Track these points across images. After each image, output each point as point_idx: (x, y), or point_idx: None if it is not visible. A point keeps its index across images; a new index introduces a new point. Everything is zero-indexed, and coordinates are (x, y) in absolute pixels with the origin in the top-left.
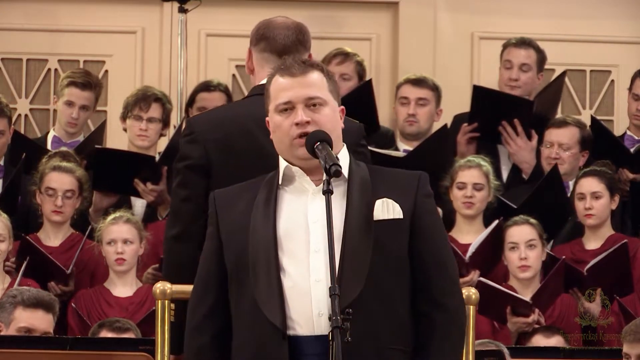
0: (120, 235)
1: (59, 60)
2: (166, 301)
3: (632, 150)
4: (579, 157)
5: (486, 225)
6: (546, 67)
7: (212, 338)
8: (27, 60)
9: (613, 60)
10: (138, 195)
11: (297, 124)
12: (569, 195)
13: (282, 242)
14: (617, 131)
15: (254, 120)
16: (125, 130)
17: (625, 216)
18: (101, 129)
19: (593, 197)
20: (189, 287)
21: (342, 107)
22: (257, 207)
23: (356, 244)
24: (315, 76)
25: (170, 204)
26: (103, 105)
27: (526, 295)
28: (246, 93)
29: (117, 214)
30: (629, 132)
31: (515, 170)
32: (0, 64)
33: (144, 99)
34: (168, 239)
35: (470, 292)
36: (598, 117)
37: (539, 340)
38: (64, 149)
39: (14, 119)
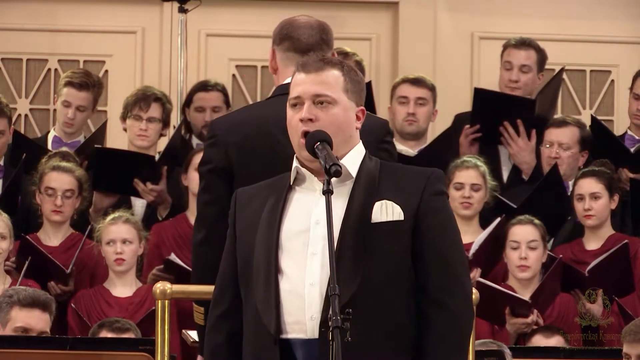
0: (119, 235)
1: (59, 60)
2: (166, 301)
3: (632, 150)
4: (579, 157)
5: (482, 225)
6: (546, 67)
7: (227, 338)
8: (27, 60)
9: (613, 60)
10: (138, 195)
11: (300, 120)
12: (568, 195)
13: (283, 244)
14: (617, 131)
15: (275, 122)
16: (125, 130)
17: (625, 216)
18: (102, 129)
19: (592, 198)
20: (189, 287)
21: (362, 108)
22: (266, 208)
23: (350, 246)
24: (331, 74)
25: (196, 209)
26: (103, 105)
27: (525, 296)
28: (246, 93)
29: (116, 214)
30: (629, 132)
31: (516, 170)
32: (0, 64)
33: (143, 99)
34: (195, 244)
35: None
36: (598, 117)
37: (539, 340)
38: (64, 149)
39: (14, 119)
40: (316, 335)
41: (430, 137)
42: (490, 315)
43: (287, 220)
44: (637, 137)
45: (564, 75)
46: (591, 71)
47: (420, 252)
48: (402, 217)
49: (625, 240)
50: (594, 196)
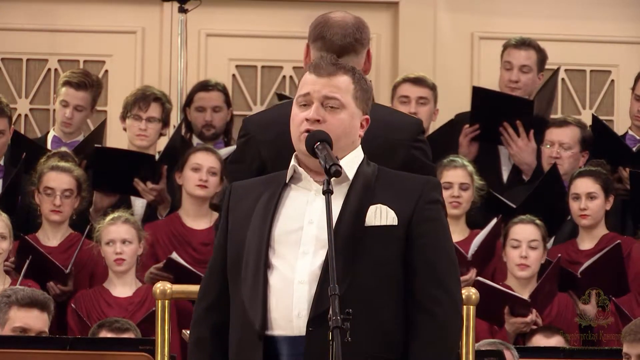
0: (119, 235)
1: (59, 60)
2: (166, 301)
3: (634, 149)
4: (579, 157)
5: (469, 225)
6: (546, 67)
7: (213, 331)
8: (27, 60)
9: (613, 60)
10: (138, 194)
11: (307, 120)
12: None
13: (274, 241)
14: (618, 131)
15: None
16: (125, 130)
17: (626, 215)
18: (100, 128)
19: (588, 198)
20: (189, 287)
21: (367, 117)
22: (260, 204)
23: (341, 248)
24: (342, 79)
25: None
26: (103, 105)
27: (523, 296)
28: (246, 93)
29: (116, 214)
30: (630, 132)
31: (516, 170)
32: (0, 64)
33: (143, 99)
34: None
35: (470, 292)
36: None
37: (539, 340)
38: (63, 149)
39: (14, 119)
40: (302, 333)
41: None
42: (489, 314)
43: (280, 217)
44: (638, 137)
45: (564, 75)
46: (591, 71)
47: (411, 259)
48: (395, 223)
49: (618, 241)
50: (590, 196)
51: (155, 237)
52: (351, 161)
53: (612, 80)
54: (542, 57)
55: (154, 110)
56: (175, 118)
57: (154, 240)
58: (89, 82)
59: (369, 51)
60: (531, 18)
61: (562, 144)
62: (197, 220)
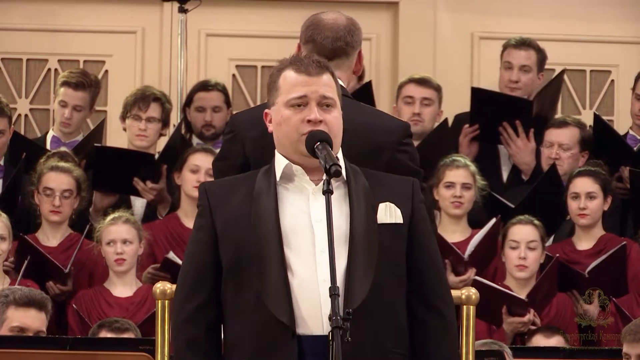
0: (120, 235)
1: (59, 60)
2: (166, 301)
3: (635, 149)
4: (579, 157)
5: (471, 224)
6: (546, 67)
7: (207, 330)
8: (27, 60)
9: (613, 60)
10: (138, 194)
11: (309, 121)
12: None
13: (287, 239)
14: (618, 131)
15: None
16: (124, 130)
17: (626, 215)
18: (100, 128)
19: (587, 197)
20: None
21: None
22: (257, 200)
23: (364, 247)
24: (329, 77)
25: None
26: (103, 105)
27: (521, 296)
28: (246, 93)
29: (116, 214)
30: (631, 132)
31: (515, 170)
32: (0, 64)
33: (142, 99)
34: None
35: (470, 292)
36: None
37: (539, 340)
38: (63, 149)
39: (14, 119)
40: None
41: None
42: (487, 314)
43: (285, 216)
44: (639, 137)
45: (564, 75)
46: (591, 71)
47: (415, 258)
48: (402, 221)
49: (624, 242)
50: (590, 196)
51: (153, 237)
52: (341, 159)
53: (612, 80)
54: (542, 57)
55: (154, 110)
56: (175, 118)
57: (152, 240)
58: (88, 82)
59: (360, 52)
60: (531, 18)
61: (561, 145)
62: None
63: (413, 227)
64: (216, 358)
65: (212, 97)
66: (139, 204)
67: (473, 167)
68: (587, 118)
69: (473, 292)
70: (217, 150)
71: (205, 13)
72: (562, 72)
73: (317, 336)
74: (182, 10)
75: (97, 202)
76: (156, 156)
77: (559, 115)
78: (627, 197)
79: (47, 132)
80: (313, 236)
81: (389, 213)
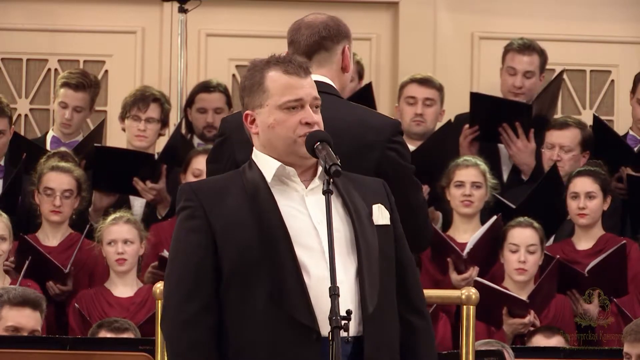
0: (121, 235)
1: (59, 60)
2: None
3: (635, 149)
4: (580, 158)
5: (483, 224)
6: (546, 67)
7: (210, 333)
8: (27, 60)
9: (613, 60)
10: (137, 194)
11: (307, 123)
12: None
13: (296, 240)
14: (618, 131)
15: None
16: (124, 130)
17: (625, 216)
18: (100, 128)
19: (587, 197)
20: None
21: None
22: (255, 202)
23: (371, 249)
24: (311, 79)
25: None
26: (103, 105)
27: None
28: None
29: (117, 214)
30: (631, 132)
31: (516, 170)
32: (0, 64)
33: (142, 99)
34: None
35: (470, 292)
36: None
37: (540, 341)
38: (63, 149)
39: (14, 119)
40: (352, 333)
41: None
42: (487, 315)
43: (288, 218)
44: (639, 138)
45: (564, 75)
46: (591, 71)
47: (399, 259)
48: (389, 222)
49: (623, 241)
50: (589, 195)
51: (159, 238)
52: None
53: (612, 80)
54: (544, 59)
55: (153, 111)
56: (174, 118)
57: (158, 241)
58: (87, 83)
59: (344, 48)
60: (531, 18)
61: (562, 147)
62: None
63: (394, 228)
64: None
65: (214, 98)
66: (138, 204)
67: (484, 166)
68: (587, 118)
69: (473, 292)
70: None
71: (205, 13)
72: (562, 72)
73: (342, 338)
74: (182, 10)
75: (97, 202)
76: (156, 156)
77: (559, 115)
78: (627, 198)
79: (47, 132)
80: (318, 237)
81: (380, 215)
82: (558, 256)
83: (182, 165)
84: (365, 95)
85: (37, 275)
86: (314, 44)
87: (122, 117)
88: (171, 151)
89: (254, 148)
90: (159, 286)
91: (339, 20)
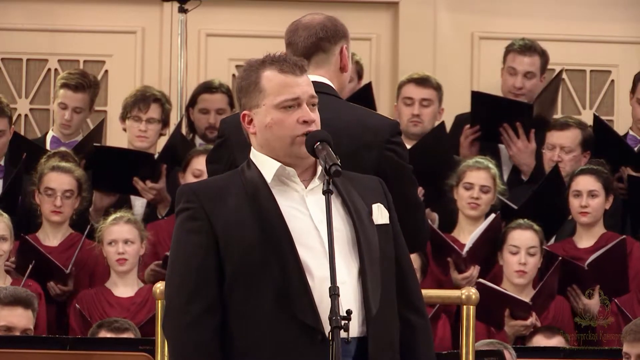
0: (121, 235)
1: (59, 60)
2: None
3: (635, 149)
4: (581, 158)
5: None
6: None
7: (214, 334)
8: (27, 60)
9: (613, 60)
10: (138, 193)
11: (305, 122)
12: None
13: (298, 240)
14: (618, 131)
15: None
16: (124, 130)
17: (626, 215)
18: (99, 128)
19: (589, 196)
20: None
21: None
22: (256, 203)
23: (372, 249)
24: (308, 77)
25: None
26: (103, 105)
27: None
28: None
29: (118, 214)
30: (631, 132)
31: (516, 170)
32: (0, 64)
33: (142, 100)
34: None
35: (470, 292)
36: None
37: (540, 341)
38: (63, 149)
39: (14, 119)
40: (356, 334)
41: None
42: (489, 317)
43: (290, 219)
44: (639, 138)
45: (564, 75)
46: (591, 71)
47: (397, 257)
48: (388, 221)
49: (623, 236)
50: (592, 194)
51: (157, 237)
52: None
53: (612, 80)
54: (545, 60)
55: (154, 111)
56: (175, 118)
57: (156, 240)
58: (87, 83)
59: (342, 48)
60: (531, 18)
61: (563, 147)
62: None
63: (392, 226)
64: None
65: (216, 99)
66: (139, 204)
67: (494, 170)
68: (587, 118)
69: (473, 292)
70: None
71: (205, 13)
72: (560, 72)
73: (343, 338)
74: (182, 10)
75: (97, 202)
76: (156, 156)
77: (559, 115)
78: (627, 198)
79: (47, 132)
80: (320, 237)
81: (380, 214)
82: (561, 257)
83: (181, 165)
84: (364, 95)
85: (38, 275)
86: (311, 45)
87: (123, 118)
88: (171, 151)
89: (251, 148)
90: (159, 286)
91: (337, 21)
